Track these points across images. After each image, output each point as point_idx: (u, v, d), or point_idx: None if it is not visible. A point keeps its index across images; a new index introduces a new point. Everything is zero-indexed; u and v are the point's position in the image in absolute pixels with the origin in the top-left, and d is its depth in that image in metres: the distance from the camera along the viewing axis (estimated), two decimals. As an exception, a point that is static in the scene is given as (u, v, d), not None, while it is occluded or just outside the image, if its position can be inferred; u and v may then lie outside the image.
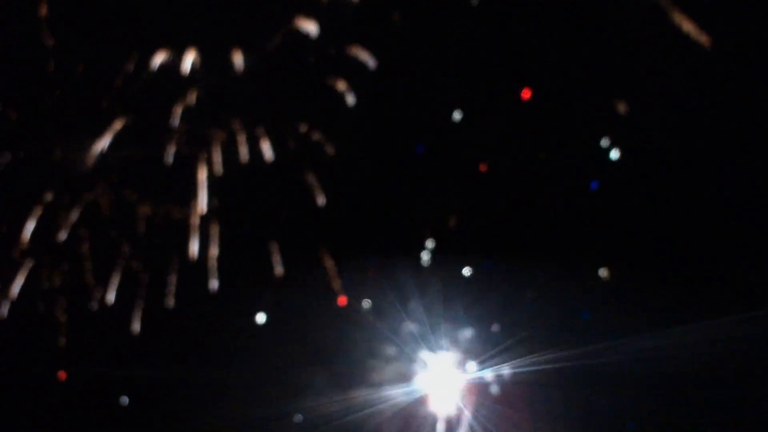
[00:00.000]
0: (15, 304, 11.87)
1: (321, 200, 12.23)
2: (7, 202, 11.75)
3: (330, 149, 12.05)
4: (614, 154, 11.93)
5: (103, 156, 11.80)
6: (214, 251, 12.21)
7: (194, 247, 12.08)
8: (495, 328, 12.76)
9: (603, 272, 12.37)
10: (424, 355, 12.94)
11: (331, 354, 12.79)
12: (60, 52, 11.42)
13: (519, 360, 12.75)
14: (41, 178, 11.81)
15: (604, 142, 11.85)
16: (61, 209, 11.92)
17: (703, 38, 10.93)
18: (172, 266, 12.17)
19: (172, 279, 12.18)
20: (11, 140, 11.68)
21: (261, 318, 12.82)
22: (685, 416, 12.43)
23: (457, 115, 12.13)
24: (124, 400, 12.68)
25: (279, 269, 12.39)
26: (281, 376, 12.71)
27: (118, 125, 11.78)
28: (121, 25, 11.45)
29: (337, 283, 12.45)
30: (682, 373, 12.16)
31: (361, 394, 12.82)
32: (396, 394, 12.83)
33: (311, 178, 12.14)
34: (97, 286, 12.01)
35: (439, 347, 12.97)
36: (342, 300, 12.65)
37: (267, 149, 11.98)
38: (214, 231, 12.15)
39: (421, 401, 12.84)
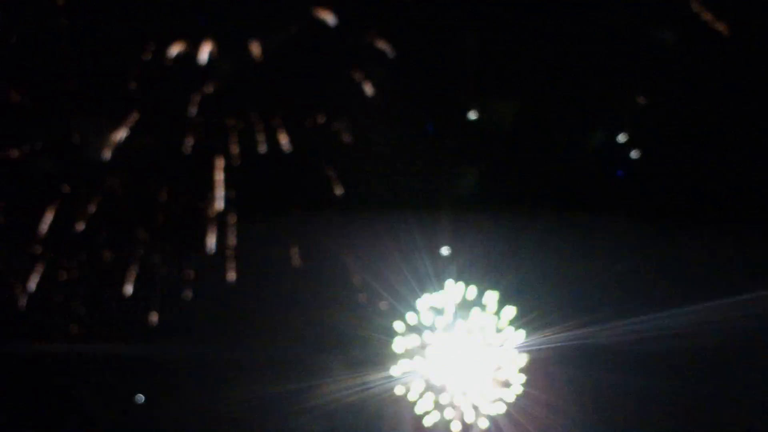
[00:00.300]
0: (33, 296, 11.82)
1: (339, 191, 12.24)
2: (25, 193, 11.68)
3: (348, 140, 12.03)
4: (634, 154, 12.04)
5: (121, 147, 11.73)
6: (231, 242, 12.19)
7: (212, 241, 12.05)
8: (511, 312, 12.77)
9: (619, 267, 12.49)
10: (437, 339, 12.96)
11: (347, 340, 12.81)
12: (78, 43, 11.33)
13: (534, 338, 12.82)
14: (59, 169, 11.73)
15: (622, 137, 11.95)
16: (79, 200, 11.87)
17: (721, 26, 11.00)
18: (190, 258, 12.15)
19: (190, 271, 12.17)
20: (29, 131, 11.60)
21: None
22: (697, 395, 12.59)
23: (473, 115, 12.19)
24: (140, 398, 12.71)
25: (296, 260, 12.41)
26: (297, 361, 12.74)
27: (135, 116, 11.71)
28: (139, 16, 11.36)
29: (357, 279, 12.51)
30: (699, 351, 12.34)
31: (373, 378, 12.84)
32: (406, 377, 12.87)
33: (329, 169, 12.12)
34: (115, 278, 11.98)
35: (455, 333, 13.00)
36: (362, 298, 12.74)
37: (284, 140, 11.95)
38: (232, 222, 12.12)
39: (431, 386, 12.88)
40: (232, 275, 12.26)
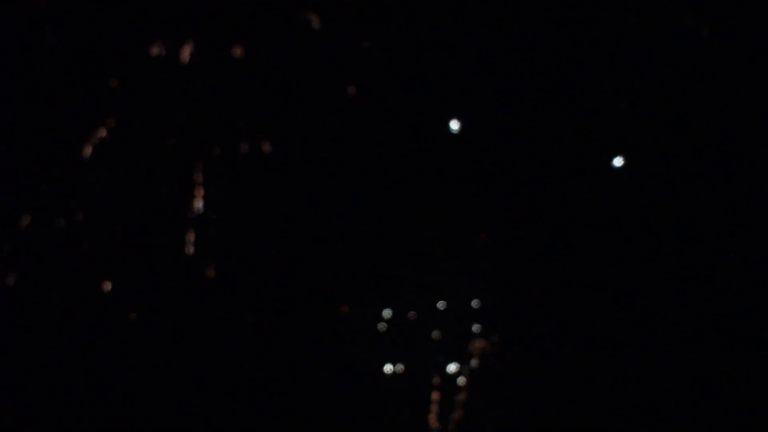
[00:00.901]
0: (8, 303, 11.74)
1: (320, 194, 12.18)
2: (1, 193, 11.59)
3: (331, 149, 11.97)
4: (617, 162, 12.01)
5: (97, 152, 11.64)
6: (209, 254, 12.09)
7: (189, 250, 11.94)
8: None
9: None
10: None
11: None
12: (55, 46, 11.22)
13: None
14: (33, 176, 11.64)
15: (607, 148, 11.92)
16: (57, 199, 11.78)
17: (704, 35, 10.96)
18: (166, 268, 12.05)
19: (166, 282, 12.09)
20: (6, 131, 11.50)
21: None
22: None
23: (454, 125, 12.12)
24: None
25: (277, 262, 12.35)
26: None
27: (111, 122, 11.61)
28: (117, 18, 11.26)
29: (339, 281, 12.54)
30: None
31: None
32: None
33: (313, 180, 12.06)
34: (89, 288, 11.89)
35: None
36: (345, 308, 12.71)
37: (267, 148, 11.86)
38: (211, 233, 12.03)
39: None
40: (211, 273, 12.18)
